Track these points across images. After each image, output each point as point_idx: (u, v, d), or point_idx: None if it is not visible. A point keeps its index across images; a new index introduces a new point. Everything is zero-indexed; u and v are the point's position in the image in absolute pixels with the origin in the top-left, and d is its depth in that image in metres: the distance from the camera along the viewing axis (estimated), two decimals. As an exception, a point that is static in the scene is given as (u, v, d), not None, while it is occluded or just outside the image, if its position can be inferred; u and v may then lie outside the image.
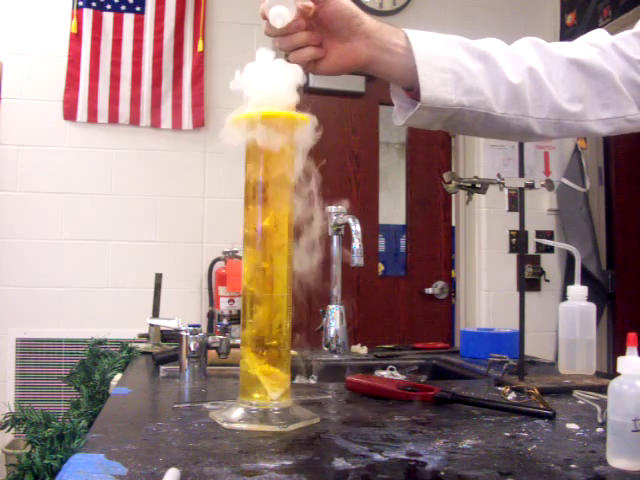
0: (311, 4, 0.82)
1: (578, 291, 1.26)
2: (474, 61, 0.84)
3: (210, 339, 1.24)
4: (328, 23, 0.83)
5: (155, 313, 1.70)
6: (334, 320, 1.66)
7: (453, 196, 3.33)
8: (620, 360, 0.66)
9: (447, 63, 0.83)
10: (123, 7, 2.90)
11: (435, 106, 0.83)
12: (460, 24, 3.19)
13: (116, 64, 2.88)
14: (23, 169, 2.82)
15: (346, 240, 1.64)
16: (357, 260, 1.54)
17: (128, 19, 2.91)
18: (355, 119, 3.25)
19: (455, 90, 0.83)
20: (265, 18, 0.83)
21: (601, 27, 2.87)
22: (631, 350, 0.66)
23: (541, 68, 0.87)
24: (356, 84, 3.13)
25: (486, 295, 3.20)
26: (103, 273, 2.85)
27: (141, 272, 2.79)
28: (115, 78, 2.88)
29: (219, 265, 2.76)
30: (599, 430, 0.82)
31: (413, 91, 0.86)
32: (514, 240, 3.19)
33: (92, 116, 2.86)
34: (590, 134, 0.92)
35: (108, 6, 2.89)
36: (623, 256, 3.21)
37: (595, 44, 0.90)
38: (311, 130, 0.84)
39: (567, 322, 1.27)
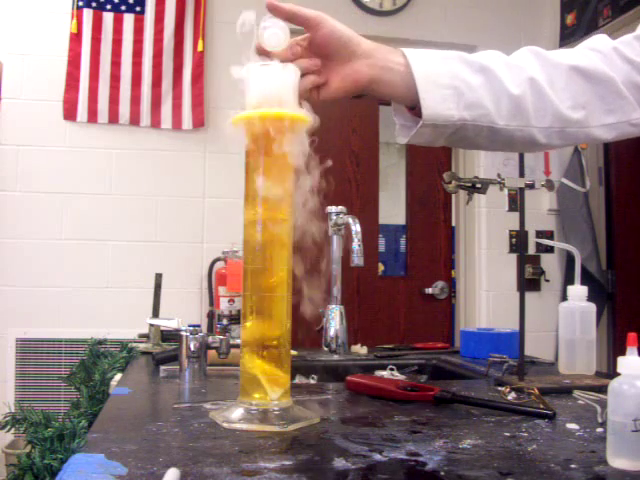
0: (304, 36, 0.83)
1: (578, 291, 1.26)
2: (474, 75, 0.84)
3: (210, 339, 1.24)
4: (324, 47, 0.83)
5: (155, 313, 1.70)
6: (334, 320, 1.66)
7: (453, 196, 3.33)
8: (620, 360, 0.66)
9: (447, 79, 0.82)
10: (123, 7, 2.90)
11: (437, 123, 0.83)
12: (460, 24, 3.19)
13: (116, 64, 2.88)
14: (23, 169, 2.82)
15: (346, 240, 1.64)
16: (357, 260, 1.54)
17: (128, 19, 2.91)
18: (355, 119, 3.25)
19: (457, 106, 0.82)
20: (260, 52, 0.83)
21: (601, 27, 2.86)
22: (631, 350, 0.66)
23: (542, 77, 0.86)
24: (356, 84, 3.13)
25: (486, 295, 3.20)
26: (103, 273, 2.85)
27: (141, 272, 2.79)
28: (115, 78, 2.88)
29: (219, 265, 2.76)
30: (599, 430, 0.82)
31: (416, 109, 0.86)
32: (514, 240, 3.19)
33: (92, 116, 2.86)
34: (594, 140, 0.91)
35: (108, 6, 2.89)
36: (623, 256, 3.21)
37: (596, 49, 0.90)
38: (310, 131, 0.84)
39: (567, 322, 1.27)
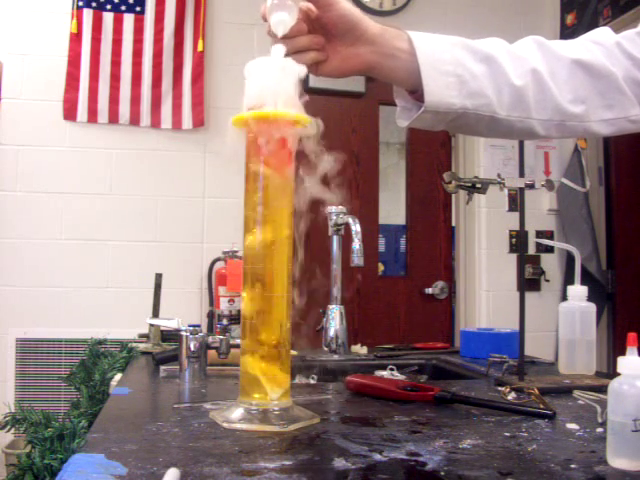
0: (313, 7, 0.82)
1: (578, 291, 1.26)
2: (477, 63, 0.84)
3: (210, 339, 1.24)
4: (332, 27, 0.83)
5: (155, 313, 1.70)
6: (334, 320, 1.66)
7: (453, 196, 3.33)
8: (620, 360, 0.66)
9: (451, 66, 0.83)
10: (123, 7, 2.90)
11: (439, 110, 0.83)
12: (460, 24, 3.19)
13: (116, 64, 2.88)
14: (23, 169, 2.82)
15: (346, 240, 1.64)
16: (357, 260, 1.54)
17: (128, 19, 2.91)
18: (355, 119, 3.25)
19: (459, 94, 0.83)
20: (265, 19, 0.83)
21: (601, 27, 2.86)
22: (631, 350, 0.66)
23: (544, 69, 0.87)
24: (356, 84, 3.13)
25: (486, 295, 3.20)
26: (103, 273, 2.85)
27: (141, 272, 2.79)
28: (115, 78, 2.88)
29: (219, 265, 2.76)
30: (599, 430, 0.82)
31: (417, 93, 0.86)
32: (514, 240, 3.19)
33: (92, 116, 2.86)
34: (592, 135, 0.92)
35: (108, 6, 2.89)
36: (623, 256, 3.21)
37: (599, 42, 0.90)
38: (313, 131, 0.84)
39: (567, 322, 1.27)
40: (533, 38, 0.89)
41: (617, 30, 0.91)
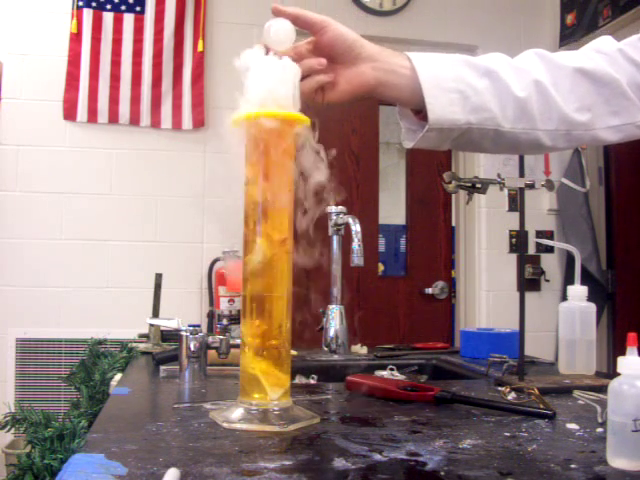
0: (309, 40, 0.83)
1: (578, 291, 1.26)
2: (479, 78, 0.84)
3: (210, 339, 1.24)
4: (330, 50, 0.83)
5: (155, 313, 1.70)
6: (334, 320, 1.67)
7: (453, 196, 3.33)
8: (620, 360, 0.66)
9: (453, 83, 0.82)
10: (123, 7, 2.90)
11: (443, 127, 0.83)
12: (460, 24, 3.19)
13: (116, 64, 2.88)
14: (23, 169, 2.82)
15: (346, 240, 1.64)
16: (357, 260, 1.54)
17: (128, 19, 2.91)
18: (355, 119, 3.25)
19: (462, 109, 0.82)
20: (265, 47, 0.83)
21: (601, 27, 2.87)
22: (631, 350, 0.66)
23: (547, 79, 0.86)
24: (356, 84, 3.13)
25: (486, 295, 3.20)
26: (103, 273, 2.85)
27: (141, 272, 2.79)
28: (115, 78, 2.88)
29: (219, 265, 2.76)
30: (599, 430, 0.82)
31: (422, 113, 0.85)
32: (514, 240, 3.19)
33: (92, 116, 2.86)
34: (600, 142, 0.91)
35: (108, 6, 2.89)
36: (623, 256, 3.21)
37: (601, 51, 0.90)
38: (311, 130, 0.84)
39: (567, 322, 1.27)
40: (534, 51, 0.89)
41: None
